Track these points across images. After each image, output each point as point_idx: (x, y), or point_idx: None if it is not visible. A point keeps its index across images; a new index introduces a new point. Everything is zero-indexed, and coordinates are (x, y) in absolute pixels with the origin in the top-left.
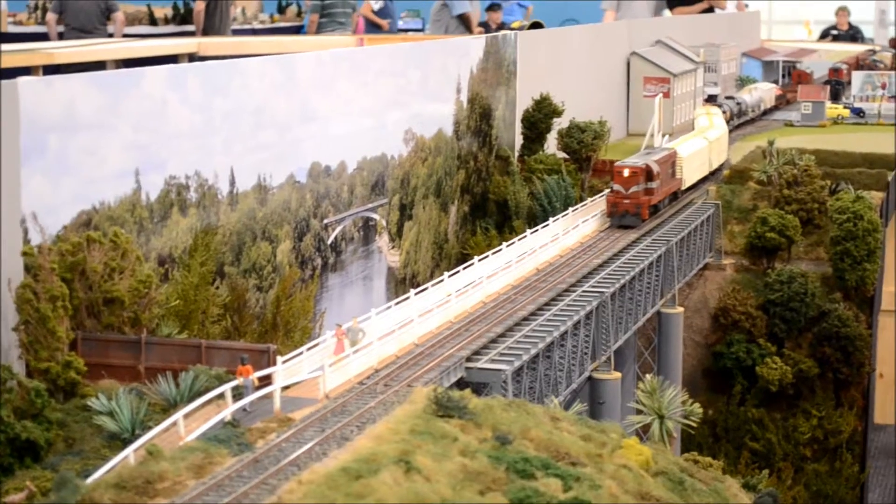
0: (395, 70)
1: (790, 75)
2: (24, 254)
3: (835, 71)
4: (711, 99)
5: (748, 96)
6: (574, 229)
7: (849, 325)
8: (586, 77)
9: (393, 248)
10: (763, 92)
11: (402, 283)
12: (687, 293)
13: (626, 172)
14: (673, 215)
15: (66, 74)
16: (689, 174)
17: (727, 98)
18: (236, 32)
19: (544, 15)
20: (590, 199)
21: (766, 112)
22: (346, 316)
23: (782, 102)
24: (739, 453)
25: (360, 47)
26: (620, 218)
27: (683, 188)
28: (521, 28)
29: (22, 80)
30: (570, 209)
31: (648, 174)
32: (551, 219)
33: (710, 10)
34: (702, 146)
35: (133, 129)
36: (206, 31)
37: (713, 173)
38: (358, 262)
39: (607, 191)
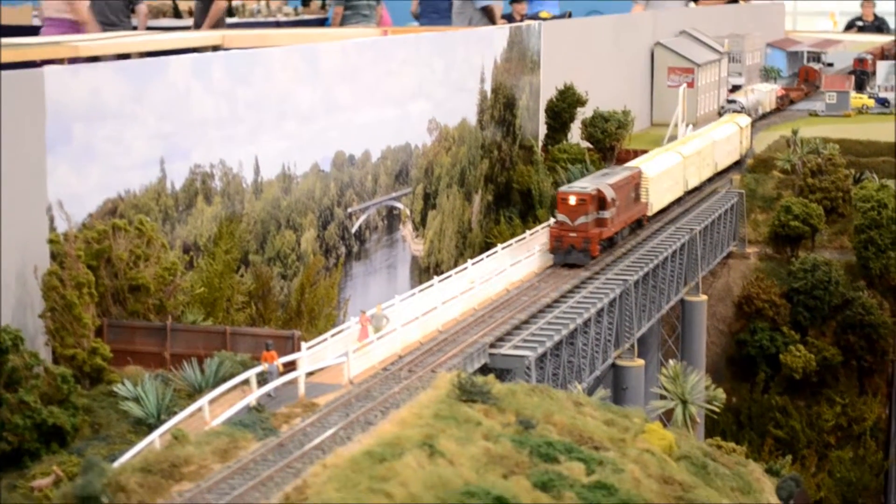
0: (419, 60)
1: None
2: (51, 241)
3: (860, 61)
4: (736, 89)
5: (744, 99)
6: None
7: (873, 313)
8: (610, 67)
9: (417, 237)
10: (761, 94)
11: (425, 271)
12: (711, 281)
13: (571, 200)
14: (696, 204)
15: (91, 63)
16: (658, 197)
17: (729, 102)
18: (260, 25)
19: (567, 6)
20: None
21: (765, 116)
22: (370, 304)
23: (785, 103)
24: (763, 441)
25: (384, 37)
26: (565, 255)
27: (651, 213)
28: (553, 18)
29: (47, 69)
30: None
31: (600, 202)
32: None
33: (734, 0)
34: (674, 163)
35: (158, 117)
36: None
37: (691, 192)
38: (382, 250)
39: (551, 221)
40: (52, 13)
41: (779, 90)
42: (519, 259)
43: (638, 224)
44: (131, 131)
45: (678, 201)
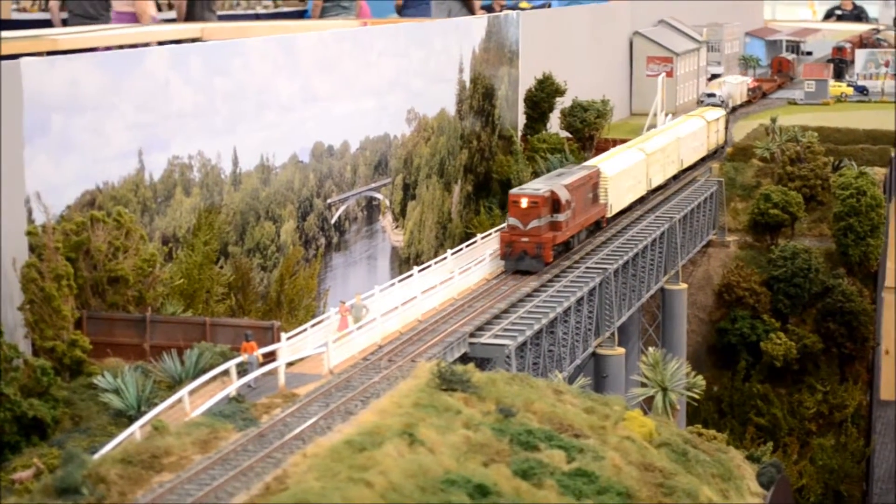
0: (397, 50)
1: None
2: (29, 233)
3: (838, 49)
4: (715, 78)
5: (718, 91)
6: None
7: (853, 300)
8: (589, 57)
9: (397, 227)
10: (731, 86)
11: (406, 262)
12: (691, 270)
13: (523, 203)
14: (675, 192)
15: (69, 55)
16: (618, 197)
17: (708, 95)
18: (240, 18)
19: None
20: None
21: (736, 109)
22: (351, 295)
23: (757, 96)
24: (745, 429)
25: (362, 27)
26: (516, 261)
27: (610, 215)
28: (532, 8)
29: (24, 61)
30: None
31: (554, 204)
32: None
33: None
34: (635, 161)
35: (136, 108)
36: (189, 17)
37: (655, 191)
38: (362, 241)
39: (503, 225)
40: (119, 7)
41: (750, 82)
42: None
43: (596, 226)
44: (109, 122)
45: (641, 201)
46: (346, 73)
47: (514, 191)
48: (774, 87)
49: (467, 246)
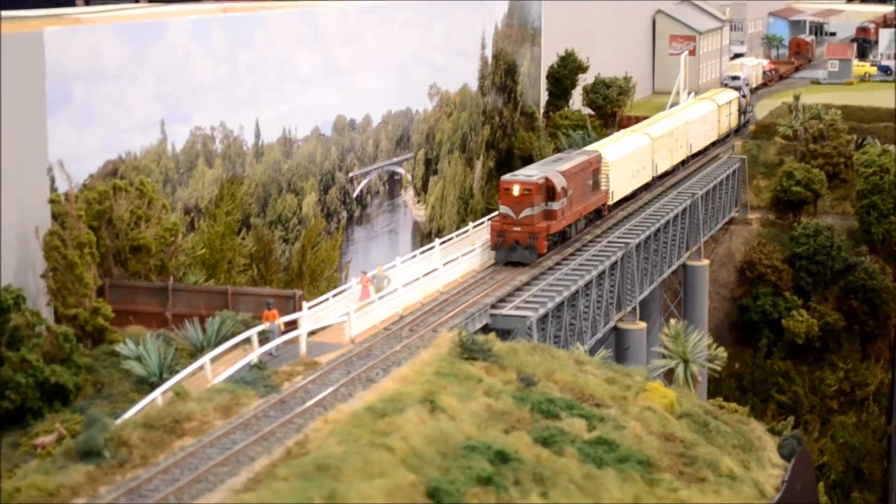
0: (419, 23)
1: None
2: (52, 201)
3: (862, 30)
4: (737, 57)
5: (741, 73)
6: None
7: (875, 277)
8: (612, 34)
9: (418, 202)
10: (747, 69)
11: (427, 237)
12: (713, 247)
13: (515, 190)
14: (698, 169)
15: (91, 25)
16: (621, 184)
17: (733, 78)
18: None
19: None
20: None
21: (752, 91)
22: (372, 268)
23: (773, 78)
24: (766, 406)
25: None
26: (508, 252)
27: (612, 202)
28: None
29: (47, 30)
30: None
31: (549, 191)
32: None
33: None
34: (640, 146)
35: (158, 79)
36: None
37: (661, 177)
38: (383, 215)
39: (495, 214)
40: None
41: (766, 65)
42: None
43: (597, 214)
44: (132, 93)
45: (646, 187)
46: (369, 46)
47: (505, 177)
48: (791, 70)
49: (489, 219)
